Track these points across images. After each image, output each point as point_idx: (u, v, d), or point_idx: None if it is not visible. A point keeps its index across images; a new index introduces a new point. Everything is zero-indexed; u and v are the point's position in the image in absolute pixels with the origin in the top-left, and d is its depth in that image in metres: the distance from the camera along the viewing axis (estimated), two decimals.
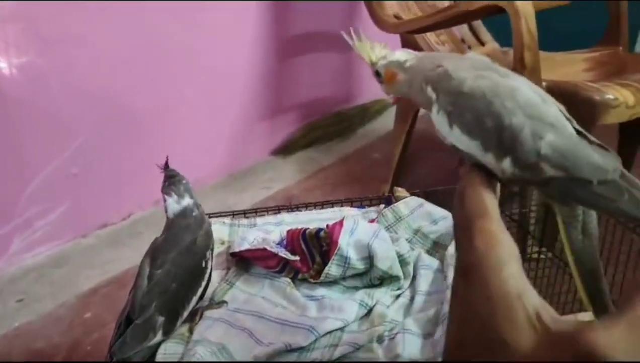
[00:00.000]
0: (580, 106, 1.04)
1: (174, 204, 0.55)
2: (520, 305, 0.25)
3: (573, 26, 2.00)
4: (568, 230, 0.36)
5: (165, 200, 0.55)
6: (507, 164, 0.33)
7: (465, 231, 0.29)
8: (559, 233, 0.37)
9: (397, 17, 1.30)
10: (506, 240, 0.28)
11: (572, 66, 1.36)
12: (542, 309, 0.25)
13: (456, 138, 0.35)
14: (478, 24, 1.54)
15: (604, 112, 1.03)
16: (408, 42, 1.33)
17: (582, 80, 1.17)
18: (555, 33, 1.98)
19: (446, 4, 1.47)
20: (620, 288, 0.66)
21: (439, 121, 0.36)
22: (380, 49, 0.43)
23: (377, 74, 0.42)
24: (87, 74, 1.18)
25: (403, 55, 0.41)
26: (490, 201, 0.31)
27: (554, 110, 0.35)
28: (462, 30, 1.50)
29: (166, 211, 0.55)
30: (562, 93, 1.05)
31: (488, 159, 0.34)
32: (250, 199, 1.44)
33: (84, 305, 1.06)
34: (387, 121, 1.85)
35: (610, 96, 1.03)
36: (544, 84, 1.06)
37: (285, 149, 1.70)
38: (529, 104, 0.34)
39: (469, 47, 1.50)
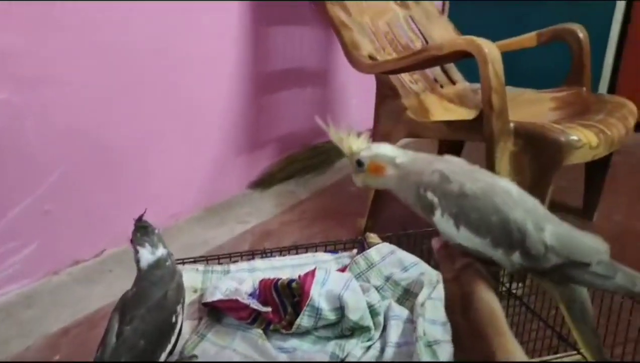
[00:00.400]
0: (546, 147, 1.08)
1: (148, 255, 0.55)
2: None
3: (542, 64, 2.08)
4: (572, 313, 0.39)
5: (137, 251, 0.55)
6: (516, 257, 0.36)
7: (480, 341, 0.33)
8: (565, 316, 0.39)
9: (371, 57, 1.34)
10: (522, 355, 0.32)
11: (539, 105, 1.42)
12: None
13: (464, 238, 0.37)
14: (449, 64, 1.59)
15: (569, 153, 1.07)
16: (382, 81, 1.37)
17: (549, 120, 1.22)
18: (524, 70, 2.06)
19: (419, 45, 1.53)
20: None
21: (444, 223, 0.37)
22: (361, 139, 0.44)
23: (359, 163, 0.43)
24: (62, 111, 1.18)
25: (391, 150, 0.43)
26: (500, 312, 0.34)
27: (538, 203, 0.39)
28: (433, 69, 1.56)
29: (138, 263, 0.55)
30: (528, 134, 1.10)
31: (498, 254, 0.36)
32: (227, 234, 1.44)
33: (53, 346, 1.03)
34: None
35: (575, 138, 1.07)
36: (511, 125, 1.10)
37: (263, 183, 1.71)
38: (523, 199, 0.38)
39: (441, 86, 1.55)
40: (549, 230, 0.37)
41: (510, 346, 0.32)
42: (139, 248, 0.55)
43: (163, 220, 1.45)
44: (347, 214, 1.50)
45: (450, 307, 0.37)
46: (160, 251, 0.55)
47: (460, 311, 0.36)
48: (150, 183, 1.40)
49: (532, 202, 0.38)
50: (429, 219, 0.39)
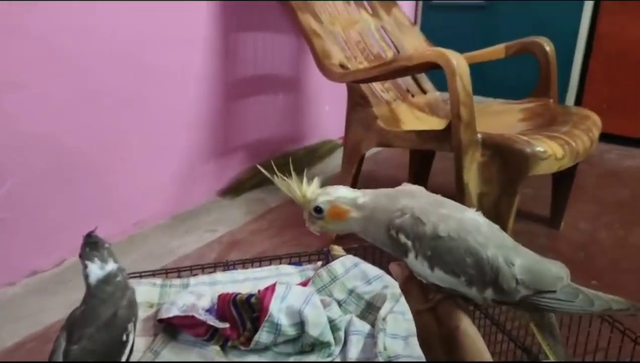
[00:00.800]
0: (512, 158, 1.10)
1: (97, 270, 0.52)
2: None
3: (511, 75, 2.12)
4: (542, 332, 0.40)
5: (86, 266, 0.53)
6: (489, 293, 0.37)
7: None
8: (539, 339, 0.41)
9: (342, 66, 1.34)
10: None
11: (507, 116, 1.44)
12: None
13: (439, 278, 0.37)
14: (420, 73, 1.60)
15: (535, 164, 1.09)
16: (353, 90, 1.37)
17: (517, 130, 1.24)
18: (494, 80, 2.10)
19: (391, 55, 1.53)
20: None
21: (418, 265, 0.37)
22: (314, 184, 0.42)
23: (318, 210, 0.40)
24: (21, 116, 1.13)
25: (350, 192, 0.40)
26: (486, 349, 0.35)
27: (506, 235, 0.39)
28: (405, 78, 1.56)
29: (87, 279, 0.53)
30: (495, 145, 1.11)
31: (472, 292, 0.37)
32: (195, 243, 1.41)
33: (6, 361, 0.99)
34: (334, 162, 1.87)
35: (541, 149, 1.09)
36: (479, 136, 1.11)
37: (232, 190, 1.69)
38: (493, 234, 0.38)
39: (412, 95, 1.55)
40: (518, 264, 0.37)
41: None
42: (87, 262, 0.52)
43: (127, 228, 1.41)
44: None
45: (428, 341, 0.37)
46: (111, 266, 0.53)
47: (443, 347, 0.36)
48: (114, 190, 1.36)
49: (500, 236, 0.38)
50: (401, 259, 0.39)
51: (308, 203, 0.41)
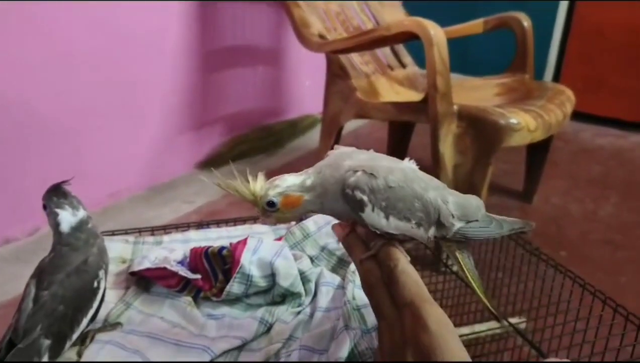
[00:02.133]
0: (486, 129, 1.11)
1: (70, 217, 0.52)
2: None
3: (486, 52, 2.14)
4: (468, 265, 0.44)
5: (57, 214, 0.52)
6: (432, 231, 0.41)
7: (409, 309, 0.35)
8: (459, 266, 0.45)
9: (321, 36, 1.33)
10: (448, 320, 0.35)
11: (483, 91, 1.45)
12: None
13: (394, 226, 0.40)
14: (400, 47, 1.61)
15: (508, 135, 1.11)
16: (332, 61, 1.37)
17: (492, 104, 1.26)
18: (470, 58, 2.11)
19: (371, 27, 1.53)
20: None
21: (375, 218, 0.39)
22: (259, 179, 0.41)
23: (271, 204, 0.40)
24: None
25: (295, 178, 0.40)
26: (419, 279, 0.37)
27: (435, 179, 0.43)
28: (385, 51, 1.57)
29: (57, 227, 0.52)
30: (470, 116, 1.12)
31: (420, 233, 0.41)
32: (172, 214, 1.41)
33: None
34: (315, 136, 1.87)
35: (514, 121, 1.11)
36: (455, 107, 1.12)
37: (210, 163, 1.68)
38: (428, 179, 0.42)
39: (392, 69, 1.56)
40: (451, 201, 0.41)
41: (438, 311, 0.35)
42: (58, 210, 0.52)
43: (101, 199, 1.40)
44: None
45: (373, 286, 0.39)
46: (82, 213, 0.53)
47: (383, 286, 0.38)
48: (88, 159, 1.34)
49: (432, 180, 0.42)
50: (356, 216, 0.40)
51: (259, 199, 0.40)
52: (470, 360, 0.33)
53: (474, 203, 0.43)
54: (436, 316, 0.34)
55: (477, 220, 0.43)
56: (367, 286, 0.39)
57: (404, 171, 0.41)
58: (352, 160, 0.41)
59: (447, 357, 0.32)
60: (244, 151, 1.74)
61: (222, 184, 0.41)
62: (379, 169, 0.40)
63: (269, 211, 0.41)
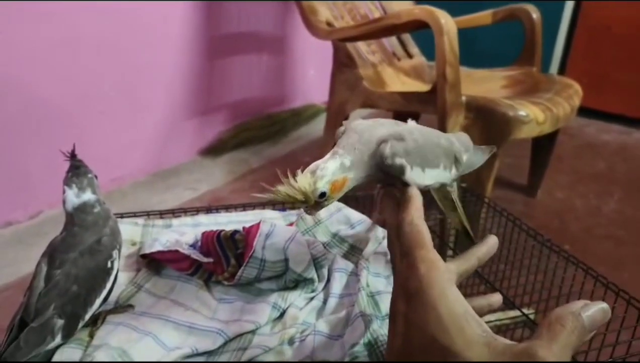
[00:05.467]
0: (495, 121, 1.11)
1: (73, 197, 0.51)
2: (470, 324, 0.30)
3: (494, 45, 2.13)
4: (456, 203, 0.51)
5: (64, 191, 0.51)
6: (454, 172, 0.46)
7: (406, 258, 0.34)
8: (456, 207, 0.51)
9: (329, 24, 1.32)
10: (445, 266, 0.33)
11: (491, 83, 1.44)
12: (486, 327, 0.31)
13: (430, 177, 0.43)
14: (407, 37, 1.59)
15: (516, 127, 1.10)
16: (339, 50, 1.35)
17: (499, 96, 1.25)
18: (479, 50, 2.10)
19: (377, 14, 1.52)
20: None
21: (415, 175, 0.42)
22: (302, 175, 0.39)
23: (322, 195, 0.39)
24: None
25: (332, 163, 0.40)
26: (426, 231, 0.36)
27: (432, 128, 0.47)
28: (392, 41, 1.55)
29: (64, 205, 0.51)
30: (479, 108, 1.12)
31: (448, 175, 0.45)
32: (175, 200, 1.40)
33: None
34: (319, 126, 1.86)
35: (523, 113, 1.10)
36: (463, 98, 1.12)
37: (214, 150, 1.67)
38: (431, 129, 0.45)
39: (398, 59, 1.55)
40: (454, 140, 0.46)
41: (431, 255, 0.34)
42: (65, 187, 0.51)
43: (104, 184, 1.38)
44: None
45: (388, 240, 0.40)
46: (87, 196, 0.51)
47: (394, 239, 0.38)
48: (91, 143, 1.33)
49: (435, 130, 0.46)
50: (398, 181, 0.42)
51: (311, 194, 0.39)
52: (464, 301, 0.32)
53: (464, 137, 0.49)
54: (427, 260, 0.33)
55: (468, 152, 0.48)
56: (388, 243, 0.40)
57: (418, 128, 0.44)
58: (375, 130, 0.42)
59: (433, 300, 0.31)
60: (247, 139, 1.73)
61: (273, 195, 0.39)
62: (403, 133, 0.42)
63: (321, 202, 0.40)
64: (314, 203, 0.40)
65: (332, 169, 0.39)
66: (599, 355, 0.56)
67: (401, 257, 0.35)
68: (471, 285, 0.82)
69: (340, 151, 0.41)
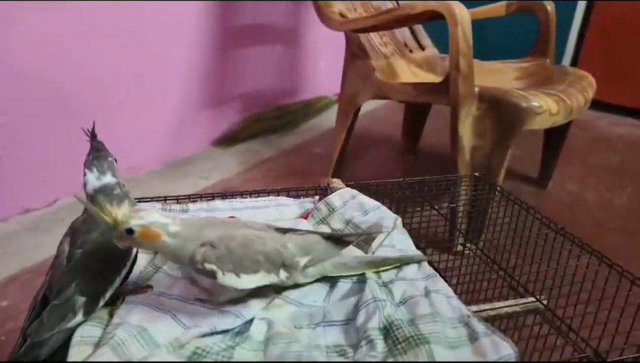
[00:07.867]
0: (507, 112, 1.10)
1: (94, 180, 0.52)
2: None
3: (507, 37, 2.11)
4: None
5: (84, 174, 0.53)
6: (282, 274, 0.50)
7: None
8: None
9: (342, 15, 1.32)
10: None
11: (503, 74, 1.44)
12: None
13: (247, 282, 0.47)
14: (419, 28, 1.59)
15: (529, 118, 1.10)
16: (352, 41, 1.35)
17: (513, 88, 1.24)
18: (490, 43, 2.09)
19: (390, 5, 1.52)
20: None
21: (227, 279, 0.46)
22: (124, 205, 0.46)
23: (129, 231, 0.44)
24: (16, 54, 1.11)
25: (163, 217, 0.45)
26: None
27: (271, 226, 0.53)
28: (404, 33, 1.55)
29: (85, 187, 0.53)
30: (492, 98, 1.11)
31: (272, 279, 0.49)
32: (188, 188, 1.41)
33: (0, 293, 1.00)
34: (330, 118, 1.87)
35: (536, 104, 1.10)
36: (476, 89, 1.11)
37: (226, 140, 1.68)
38: (265, 231, 0.50)
39: (410, 51, 1.54)
40: (290, 243, 0.50)
41: None
42: (86, 170, 0.52)
43: (120, 171, 1.41)
44: (310, 174, 1.50)
45: None
46: (108, 179, 0.52)
47: None
48: (106, 132, 1.32)
49: (269, 229, 0.51)
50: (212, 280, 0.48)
51: (120, 225, 0.44)
52: None
53: (313, 238, 0.52)
54: None
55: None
56: None
57: (245, 234, 0.48)
58: (207, 230, 0.47)
59: None
60: (258, 130, 1.74)
61: (90, 207, 0.45)
62: (224, 239, 0.46)
63: (125, 236, 0.44)
64: (122, 233, 0.44)
65: (154, 220, 0.44)
66: (613, 341, 0.56)
67: None
68: (482, 271, 0.82)
69: (178, 220, 0.46)
